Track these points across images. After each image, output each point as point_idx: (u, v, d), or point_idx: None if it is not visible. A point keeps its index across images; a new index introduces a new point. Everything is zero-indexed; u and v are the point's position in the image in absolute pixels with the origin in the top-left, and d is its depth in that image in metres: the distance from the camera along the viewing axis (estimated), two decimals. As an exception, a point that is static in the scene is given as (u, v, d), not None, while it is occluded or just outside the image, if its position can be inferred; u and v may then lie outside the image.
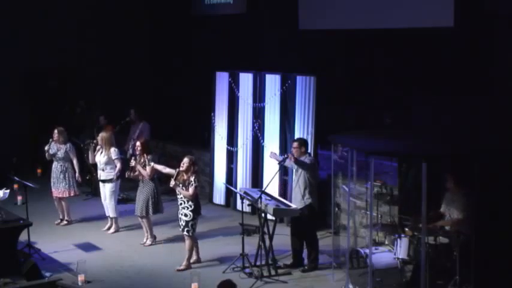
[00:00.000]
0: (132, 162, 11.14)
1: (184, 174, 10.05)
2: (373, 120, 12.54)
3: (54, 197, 12.28)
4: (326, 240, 10.80)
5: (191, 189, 9.96)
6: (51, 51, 16.73)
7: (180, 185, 10.03)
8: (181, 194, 10.02)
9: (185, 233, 10.10)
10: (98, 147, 11.91)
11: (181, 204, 10.10)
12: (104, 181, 11.87)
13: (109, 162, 11.78)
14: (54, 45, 16.76)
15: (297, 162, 9.89)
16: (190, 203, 10.02)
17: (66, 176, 12.14)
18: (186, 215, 10.05)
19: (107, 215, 12.03)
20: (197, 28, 16.70)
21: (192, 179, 9.98)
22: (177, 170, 10.12)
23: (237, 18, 15.36)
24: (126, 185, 14.13)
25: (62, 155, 12.13)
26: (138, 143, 11.34)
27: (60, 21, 16.96)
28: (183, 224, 10.08)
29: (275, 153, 10.91)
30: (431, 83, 11.89)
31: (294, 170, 10.21)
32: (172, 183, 10.11)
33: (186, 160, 10.10)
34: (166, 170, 10.69)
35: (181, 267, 10.12)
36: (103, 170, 11.83)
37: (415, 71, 12.17)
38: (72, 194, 12.25)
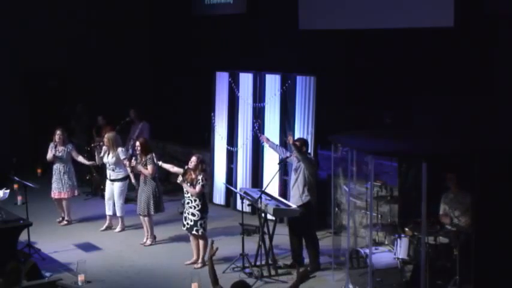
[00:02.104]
0: (133, 162, 11.15)
1: (192, 173, 10.07)
2: (373, 120, 12.54)
3: (55, 198, 12.28)
4: (326, 240, 10.80)
5: (198, 187, 9.98)
6: (51, 51, 16.73)
7: (188, 183, 10.04)
8: (188, 191, 10.04)
9: (194, 232, 10.11)
10: (104, 147, 11.91)
11: (188, 203, 10.11)
12: (113, 180, 11.88)
13: (118, 162, 11.78)
14: (54, 45, 16.76)
15: (296, 147, 9.86)
16: (197, 202, 10.03)
17: (69, 176, 12.15)
18: (193, 215, 10.06)
19: (107, 213, 12.04)
20: (197, 28, 16.70)
21: (200, 177, 10.00)
22: (185, 167, 10.14)
23: (237, 18, 15.36)
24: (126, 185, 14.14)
25: (64, 156, 12.13)
26: (137, 143, 11.35)
27: (60, 21, 16.97)
28: (191, 223, 10.09)
29: (267, 138, 10.92)
30: (431, 83, 11.88)
31: (293, 169, 10.20)
32: (179, 179, 10.13)
33: (194, 158, 10.13)
34: (174, 169, 10.71)
35: (199, 266, 10.15)
36: (113, 170, 11.84)
37: (415, 71, 12.16)
38: (76, 194, 12.33)
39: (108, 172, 11.95)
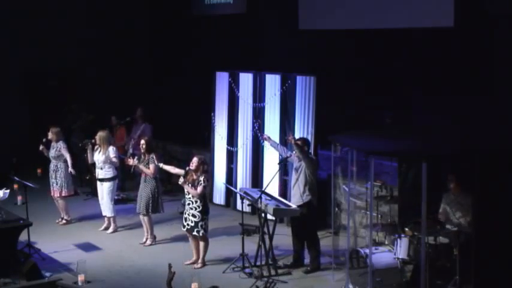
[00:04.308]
0: (135, 161, 11.10)
1: (194, 174, 10.05)
2: (373, 120, 12.54)
3: (51, 196, 12.29)
4: (326, 240, 10.80)
5: (199, 188, 9.96)
6: (51, 51, 16.74)
7: (189, 184, 10.04)
8: (190, 192, 10.03)
9: (194, 233, 10.09)
10: (96, 146, 11.91)
11: (189, 204, 10.09)
12: (102, 180, 11.86)
13: (107, 161, 11.76)
14: (54, 46, 16.76)
15: (298, 146, 9.84)
16: (198, 203, 10.01)
17: (58, 175, 12.10)
18: (194, 216, 10.04)
19: (103, 214, 12.02)
20: (197, 28, 16.70)
21: (201, 178, 9.98)
22: (187, 168, 10.13)
23: (237, 18, 15.36)
24: (126, 185, 14.16)
25: (54, 154, 12.12)
26: (142, 142, 11.33)
27: (60, 21, 16.97)
28: (192, 224, 10.07)
29: (269, 137, 10.91)
30: (431, 83, 11.88)
31: (294, 168, 10.20)
32: (181, 180, 10.11)
33: (195, 160, 10.10)
34: (175, 170, 10.67)
35: (198, 266, 10.16)
36: (101, 168, 11.82)
37: (415, 70, 12.16)
38: (63, 194, 12.16)
39: (97, 171, 11.91)
